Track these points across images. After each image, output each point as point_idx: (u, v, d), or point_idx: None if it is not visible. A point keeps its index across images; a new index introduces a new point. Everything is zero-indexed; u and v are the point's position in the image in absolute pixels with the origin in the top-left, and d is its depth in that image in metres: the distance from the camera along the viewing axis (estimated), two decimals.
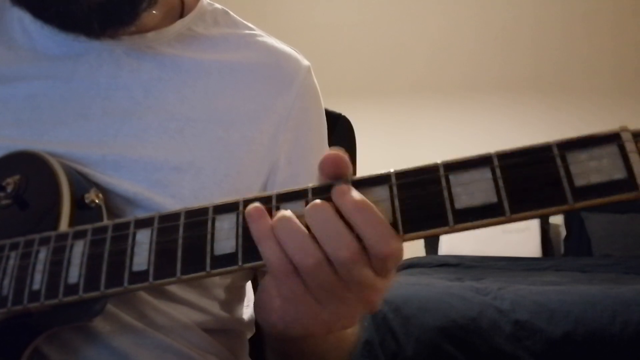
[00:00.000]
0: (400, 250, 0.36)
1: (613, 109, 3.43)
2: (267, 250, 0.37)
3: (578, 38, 3.62)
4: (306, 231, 0.36)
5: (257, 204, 0.38)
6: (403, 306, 1.87)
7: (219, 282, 0.57)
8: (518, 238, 3.13)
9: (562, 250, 3.31)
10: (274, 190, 0.59)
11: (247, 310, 0.64)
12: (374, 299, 0.39)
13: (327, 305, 0.38)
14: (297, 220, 0.36)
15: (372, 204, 0.36)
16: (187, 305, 0.54)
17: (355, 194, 0.36)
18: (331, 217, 0.36)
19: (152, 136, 0.54)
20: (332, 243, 0.35)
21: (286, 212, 0.37)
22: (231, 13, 0.67)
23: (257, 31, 0.66)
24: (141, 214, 0.42)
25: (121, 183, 0.51)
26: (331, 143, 0.69)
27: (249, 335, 0.65)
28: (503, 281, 2.15)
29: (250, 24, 0.67)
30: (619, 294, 1.82)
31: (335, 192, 0.36)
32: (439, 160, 0.36)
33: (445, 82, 3.77)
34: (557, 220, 3.42)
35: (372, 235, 0.35)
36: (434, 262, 2.89)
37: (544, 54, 3.67)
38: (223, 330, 0.58)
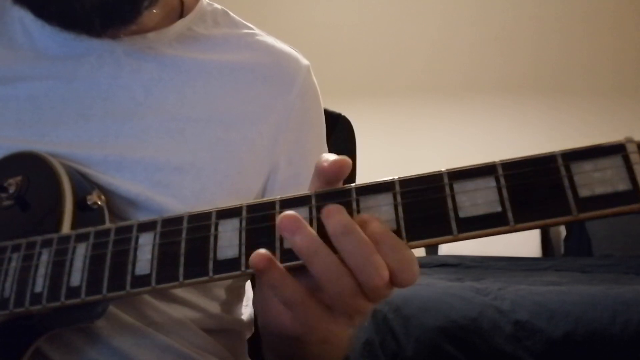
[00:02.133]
0: None
1: (613, 110, 3.43)
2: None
3: (578, 38, 3.62)
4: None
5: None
6: (403, 306, 1.87)
7: (219, 283, 0.57)
8: (518, 238, 3.13)
9: (563, 250, 3.32)
10: (275, 190, 0.59)
11: (246, 310, 0.64)
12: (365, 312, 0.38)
13: (338, 317, 0.37)
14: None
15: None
16: (187, 305, 0.54)
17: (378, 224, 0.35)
18: (367, 242, 0.34)
19: (153, 137, 0.54)
20: (369, 270, 0.34)
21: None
22: (231, 13, 0.67)
23: (257, 31, 0.66)
24: (144, 218, 0.41)
25: (122, 184, 0.51)
26: (331, 143, 0.69)
27: (248, 335, 0.65)
28: (503, 281, 2.15)
29: (249, 24, 0.67)
30: (619, 294, 1.82)
31: (368, 222, 0.35)
32: (443, 168, 0.35)
33: (445, 82, 3.77)
34: None
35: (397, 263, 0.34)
36: (434, 262, 2.89)
37: (544, 54, 3.67)
38: (222, 330, 0.58)
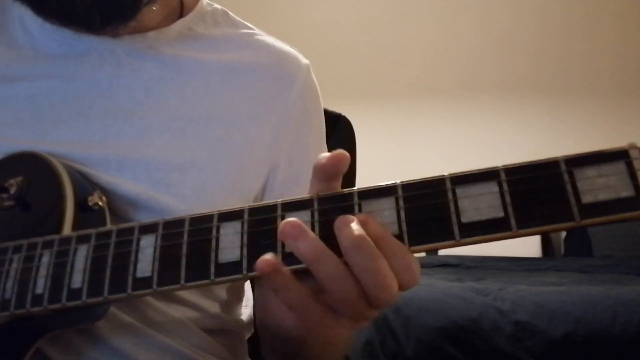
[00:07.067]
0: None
1: (613, 110, 3.43)
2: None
3: (578, 38, 3.62)
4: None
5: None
6: (403, 306, 1.87)
7: None
8: (519, 239, 3.12)
9: (563, 250, 3.31)
10: (274, 190, 0.59)
11: (246, 311, 0.64)
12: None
13: (341, 319, 0.37)
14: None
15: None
16: (187, 305, 0.54)
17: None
18: (377, 256, 0.34)
19: (154, 136, 0.54)
20: (378, 282, 0.34)
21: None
22: (230, 13, 0.67)
23: (257, 31, 0.66)
24: (145, 219, 0.41)
25: (123, 183, 0.51)
26: (331, 143, 0.69)
27: (248, 335, 0.65)
28: (503, 282, 2.15)
29: (249, 24, 0.67)
30: (619, 295, 1.82)
31: (368, 222, 0.35)
32: (443, 169, 0.35)
33: (445, 82, 3.77)
34: None
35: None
36: (434, 262, 2.89)
37: (544, 54, 3.67)
38: (222, 331, 0.58)
